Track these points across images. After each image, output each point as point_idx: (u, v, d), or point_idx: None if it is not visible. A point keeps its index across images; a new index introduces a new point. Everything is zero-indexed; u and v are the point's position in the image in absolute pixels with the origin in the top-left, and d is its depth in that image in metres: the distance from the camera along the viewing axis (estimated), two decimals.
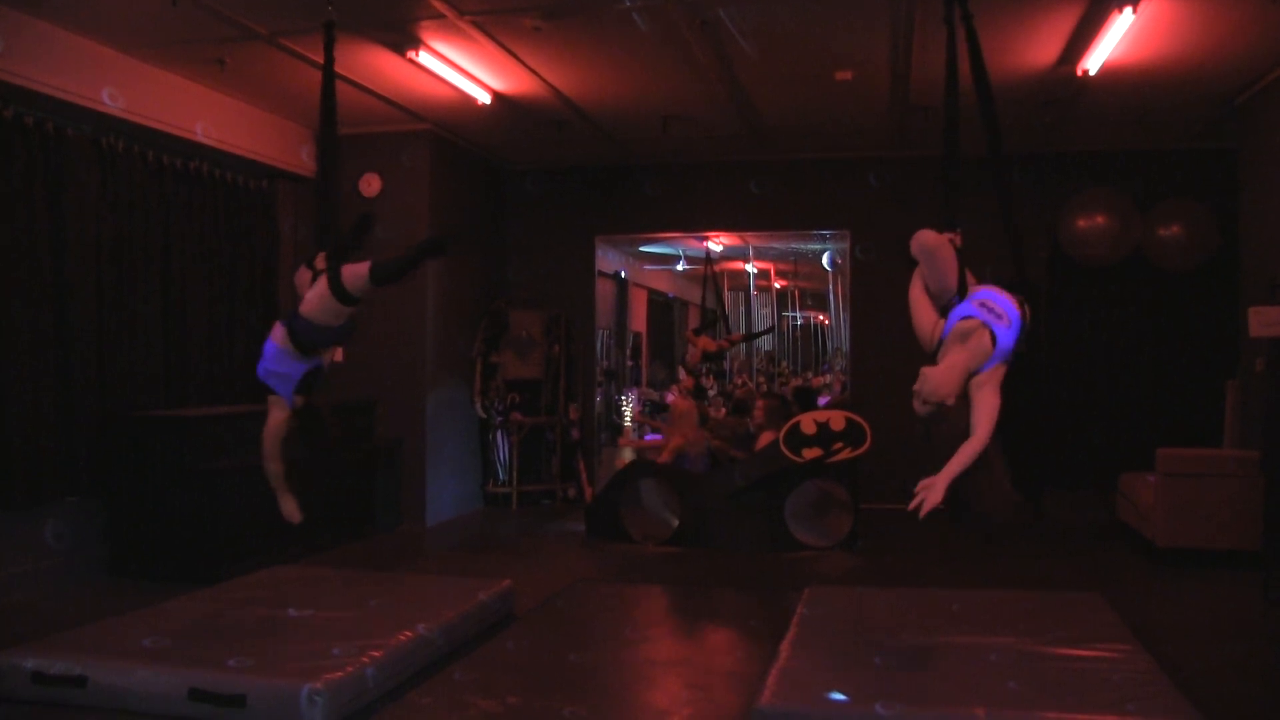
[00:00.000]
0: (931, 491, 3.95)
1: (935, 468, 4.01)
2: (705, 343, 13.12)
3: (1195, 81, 7.29)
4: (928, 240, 4.26)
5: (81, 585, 6.45)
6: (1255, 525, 6.59)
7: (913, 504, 3.99)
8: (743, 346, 16.91)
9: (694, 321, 17.61)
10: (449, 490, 9.22)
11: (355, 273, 4.74)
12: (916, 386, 3.98)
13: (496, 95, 7.69)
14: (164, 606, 5.06)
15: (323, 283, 4.79)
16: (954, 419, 4.00)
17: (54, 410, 6.44)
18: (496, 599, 5.51)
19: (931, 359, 4.13)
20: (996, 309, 4.06)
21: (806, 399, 9.45)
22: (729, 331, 14.47)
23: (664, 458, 8.56)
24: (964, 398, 4.02)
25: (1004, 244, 4.48)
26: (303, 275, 5.07)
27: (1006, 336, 4.01)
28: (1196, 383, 8.94)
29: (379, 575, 6.01)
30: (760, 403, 9.01)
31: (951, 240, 4.34)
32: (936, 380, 3.94)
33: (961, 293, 4.24)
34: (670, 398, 13.19)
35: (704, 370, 14.64)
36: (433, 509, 8.90)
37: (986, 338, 3.99)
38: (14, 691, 4.22)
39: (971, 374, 4.00)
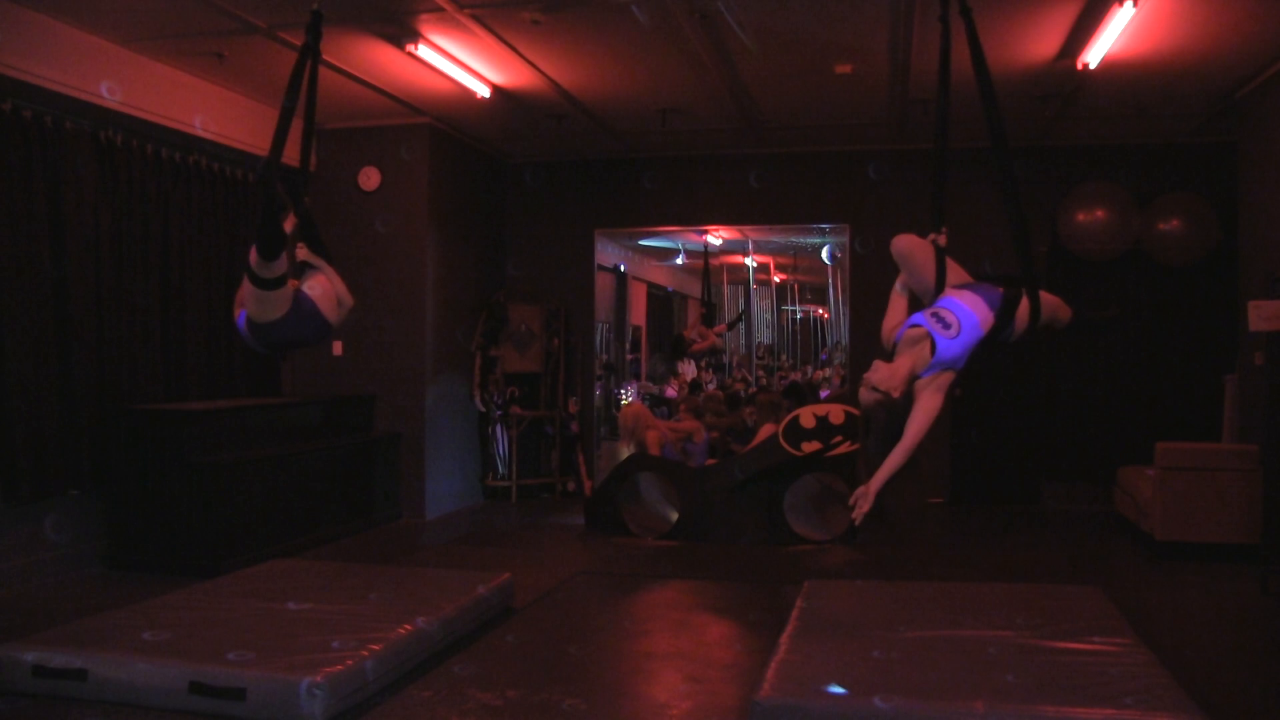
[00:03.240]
0: (864, 499, 4.21)
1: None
2: (718, 329, 13.28)
3: (1195, 75, 7.28)
4: (901, 246, 4.46)
5: (81, 578, 6.46)
6: (1254, 519, 6.60)
7: (854, 514, 4.25)
8: (742, 342, 16.97)
9: (694, 315, 17.62)
10: (448, 484, 9.23)
11: (251, 253, 4.45)
12: (867, 375, 4.14)
13: (495, 89, 7.68)
14: (164, 599, 5.07)
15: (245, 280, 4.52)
16: (893, 419, 4.17)
17: (55, 404, 6.45)
18: (495, 592, 5.51)
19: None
20: (947, 318, 4.18)
21: (798, 395, 9.45)
22: (715, 323, 14.62)
23: (672, 438, 8.57)
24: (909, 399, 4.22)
25: (1007, 236, 4.54)
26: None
27: (948, 347, 4.14)
28: (1195, 377, 8.96)
29: (378, 568, 6.01)
30: (758, 400, 9.03)
31: (935, 240, 4.45)
32: (886, 371, 4.11)
33: (940, 289, 4.38)
34: (670, 391, 13.21)
35: (705, 364, 14.69)
36: (432, 502, 8.90)
37: (927, 347, 4.13)
38: (14, 684, 4.22)
39: (916, 377, 4.16)
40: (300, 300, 4.66)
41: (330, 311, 4.79)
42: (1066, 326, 4.69)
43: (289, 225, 4.73)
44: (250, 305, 4.54)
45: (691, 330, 14.53)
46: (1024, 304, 4.34)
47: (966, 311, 4.21)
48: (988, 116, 4.45)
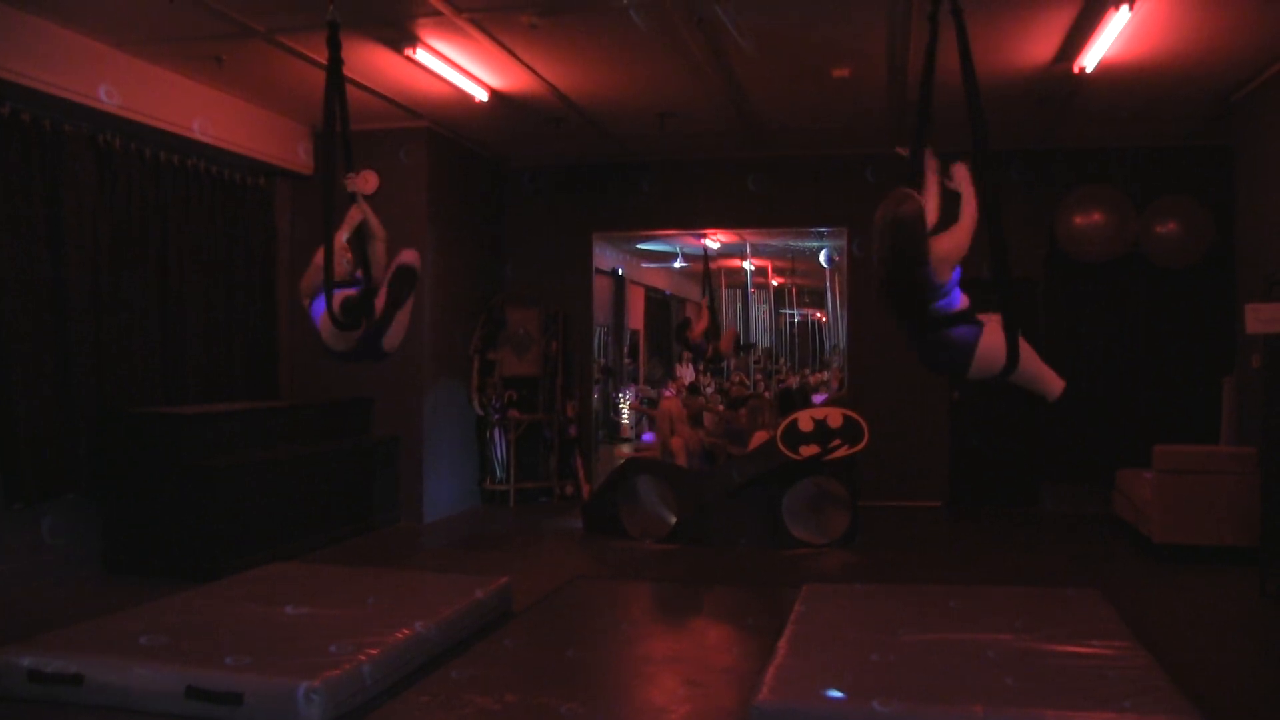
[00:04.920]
0: None
1: None
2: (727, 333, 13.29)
3: (1191, 79, 7.29)
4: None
5: (78, 582, 6.45)
6: (1252, 521, 6.60)
7: None
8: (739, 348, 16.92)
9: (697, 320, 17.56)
10: (446, 487, 9.22)
11: (336, 303, 4.85)
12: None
13: (494, 92, 7.68)
14: (161, 603, 5.06)
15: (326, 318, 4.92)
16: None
17: (53, 407, 6.45)
18: (494, 596, 5.51)
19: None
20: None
21: (789, 402, 9.46)
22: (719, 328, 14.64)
23: (681, 460, 8.56)
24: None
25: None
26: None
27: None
28: (1193, 379, 8.96)
29: (376, 572, 6.00)
30: (753, 403, 9.03)
31: None
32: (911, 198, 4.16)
33: None
34: (667, 392, 13.19)
35: (704, 367, 14.67)
36: (430, 506, 8.89)
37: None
38: (10, 690, 4.21)
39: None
40: (368, 335, 5.00)
41: (394, 347, 5.17)
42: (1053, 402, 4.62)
43: (342, 237, 5.00)
44: (326, 334, 4.96)
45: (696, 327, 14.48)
46: (996, 338, 4.16)
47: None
48: (973, 120, 4.43)
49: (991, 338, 4.15)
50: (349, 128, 5.10)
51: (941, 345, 4.23)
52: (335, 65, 4.98)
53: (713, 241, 13.52)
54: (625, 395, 15.72)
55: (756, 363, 17.71)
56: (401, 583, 5.60)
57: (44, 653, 4.27)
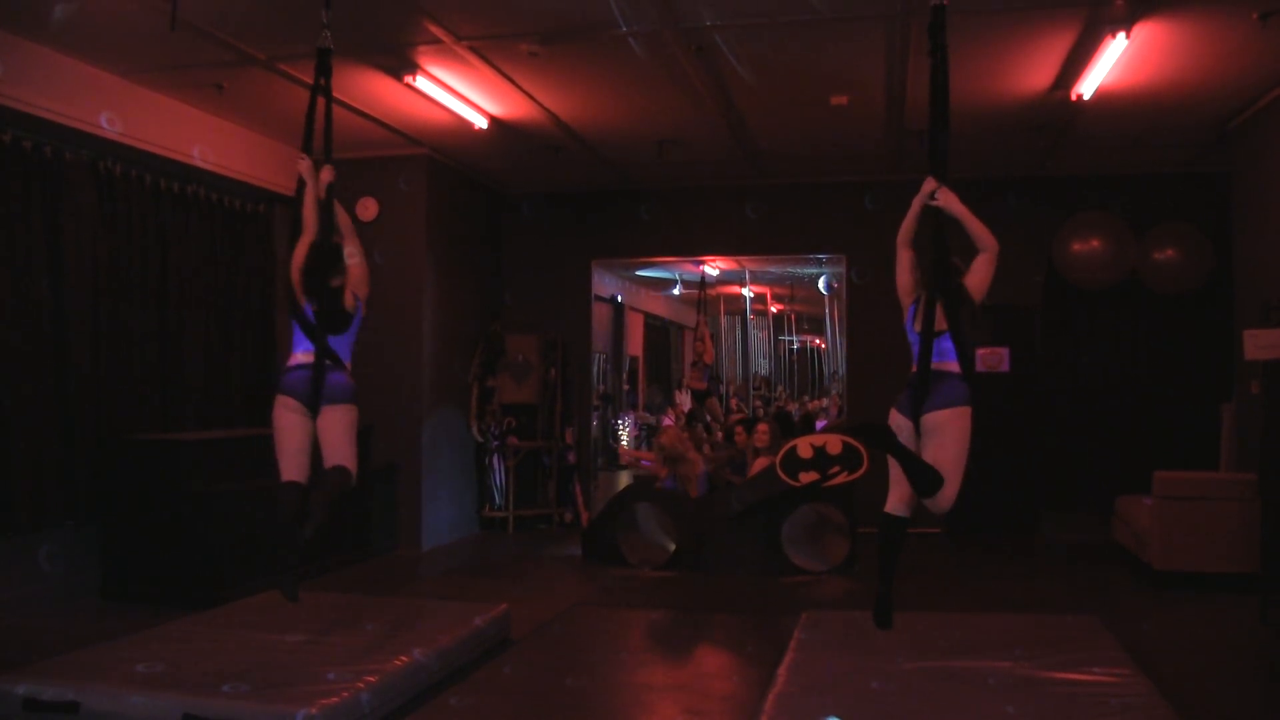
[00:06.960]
0: None
1: None
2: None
3: (1188, 106, 7.33)
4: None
5: (75, 609, 6.41)
6: (1252, 548, 6.58)
7: None
8: (739, 373, 16.95)
9: (688, 348, 17.62)
10: (445, 515, 9.20)
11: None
12: None
13: (493, 120, 7.73)
14: (158, 631, 5.03)
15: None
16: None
17: (52, 434, 6.44)
18: (492, 624, 5.48)
19: None
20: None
21: (787, 425, 9.45)
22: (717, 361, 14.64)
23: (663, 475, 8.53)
24: None
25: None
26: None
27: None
28: (1192, 406, 8.96)
29: (374, 600, 5.97)
30: (762, 426, 9.01)
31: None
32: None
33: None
34: (667, 421, 13.20)
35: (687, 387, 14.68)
36: (429, 533, 8.87)
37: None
38: (5, 718, 4.18)
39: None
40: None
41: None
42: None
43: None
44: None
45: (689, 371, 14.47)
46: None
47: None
48: (932, 144, 4.62)
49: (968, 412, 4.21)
50: (331, 144, 5.04)
51: (943, 376, 4.25)
52: (316, 89, 4.93)
53: (712, 268, 13.56)
54: (624, 421, 15.72)
55: (757, 389, 17.72)
56: (400, 610, 5.58)
57: (40, 680, 4.24)
